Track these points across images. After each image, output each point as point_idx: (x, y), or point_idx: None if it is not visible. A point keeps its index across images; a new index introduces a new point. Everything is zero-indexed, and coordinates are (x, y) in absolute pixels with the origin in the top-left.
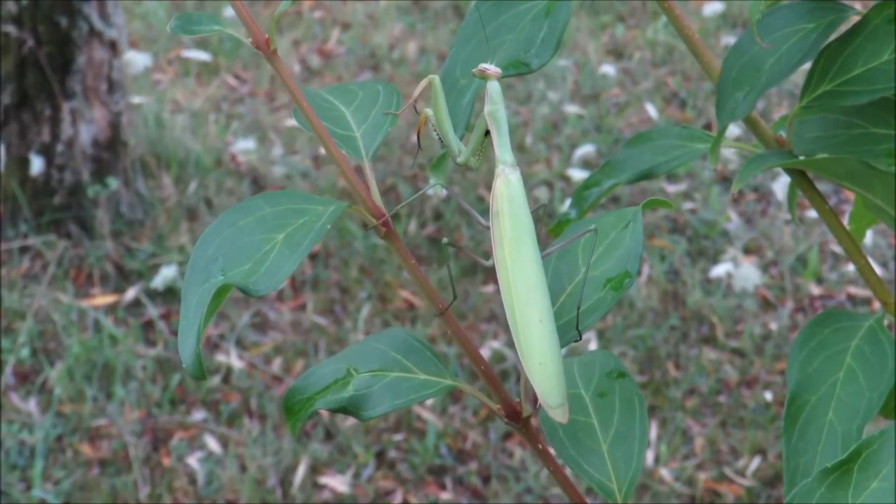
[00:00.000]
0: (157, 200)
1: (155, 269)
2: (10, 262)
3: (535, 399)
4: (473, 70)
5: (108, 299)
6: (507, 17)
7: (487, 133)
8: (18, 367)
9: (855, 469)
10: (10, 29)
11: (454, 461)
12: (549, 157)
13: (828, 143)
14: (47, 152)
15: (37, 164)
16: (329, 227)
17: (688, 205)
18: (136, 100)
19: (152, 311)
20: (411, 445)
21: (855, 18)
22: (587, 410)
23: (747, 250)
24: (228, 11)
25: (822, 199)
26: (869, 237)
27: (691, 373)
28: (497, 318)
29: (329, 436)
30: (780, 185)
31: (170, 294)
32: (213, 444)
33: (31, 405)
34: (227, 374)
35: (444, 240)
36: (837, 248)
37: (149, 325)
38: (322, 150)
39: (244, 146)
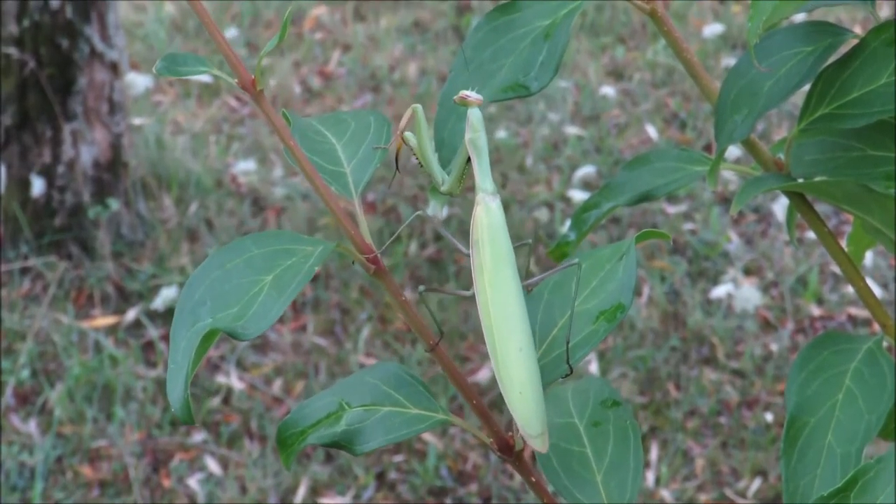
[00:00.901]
0: (157, 221)
1: (155, 290)
2: (11, 283)
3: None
4: (455, 97)
5: (109, 320)
6: (506, 41)
7: (469, 160)
8: (18, 388)
9: (852, 496)
10: (12, 50)
11: (455, 482)
12: (549, 178)
13: (826, 165)
14: (48, 173)
15: (38, 186)
16: (317, 268)
17: (688, 225)
18: (137, 121)
19: (153, 333)
20: (412, 467)
21: (853, 41)
22: (581, 440)
23: (748, 271)
24: (230, 32)
25: (820, 221)
26: (869, 258)
27: (692, 394)
28: None
29: (329, 457)
30: (781, 206)
31: (170, 315)
32: (213, 465)
33: (32, 426)
34: (228, 395)
35: (421, 287)
36: (838, 270)
37: (149, 347)
38: None
39: (245, 167)
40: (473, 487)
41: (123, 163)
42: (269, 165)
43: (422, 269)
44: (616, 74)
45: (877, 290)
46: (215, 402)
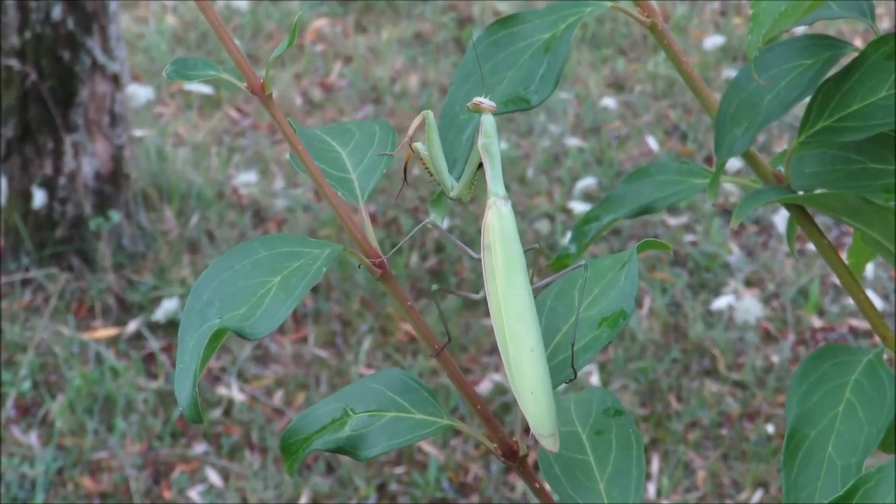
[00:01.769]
0: (158, 233)
1: (156, 301)
2: (12, 294)
3: (528, 428)
4: (468, 104)
5: (110, 332)
6: (507, 54)
7: (480, 166)
8: (19, 400)
9: None
10: (13, 62)
11: (456, 494)
12: (550, 190)
13: (826, 178)
14: (49, 185)
15: (39, 198)
16: (324, 270)
17: (689, 237)
18: (138, 133)
19: (154, 344)
20: (412, 479)
21: (853, 54)
22: (584, 448)
23: (749, 283)
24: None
25: (820, 233)
26: (870, 269)
27: (693, 405)
28: (498, 351)
29: (330, 469)
30: (781, 218)
31: (171, 327)
32: (214, 477)
33: (32, 438)
34: (229, 407)
35: (434, 286)
36: (839, 281)
37: (150, 358)
38: None
39: (246, 179)
40: (475, 499)
41: (125, 174)
42: (270, 177)
43: (423, 280)
44: (617, 86)
45: (877, 302)
46: (216, 413)
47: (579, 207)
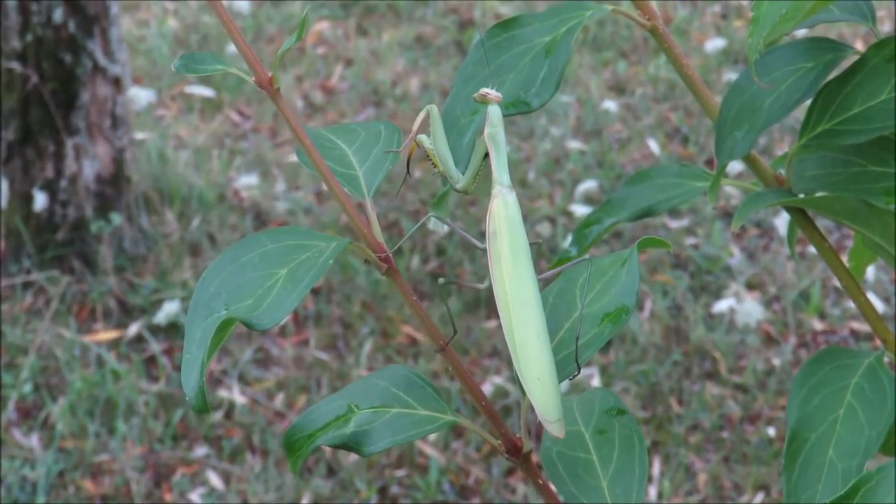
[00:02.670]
0: (159, 236)
1: (158, 304)
2: (13, 297)
3: (530, 429)
4: (475, 95)
5: (111, 335)
6: (508, 57)
7: (486, 157)
8: (20, 402)
9: None
10: (15, 65)
11: (457, 497)
12: (551, 193)
13: (827, 181)
14: (51, 188)
15: (40, 200)
16: (331, 262)
17: (690, 240)
18: (139, 136)
19: (155, 347)
20: (414, 481)
21: (853, 57)
22: (587, 447)
23: (750, 286)
24: (232, 48)
25: (821, 236)
26: (871, 272)
27: (694, 408)
28: (499, 354)
29: (331, 471)
30: (783, 221)
31: (172, 329)
32: (215, 479)
33: (34, 441)
34: (230, 409)
35: (441, 279)
36: (840, 284)
37: (151, 361)
38: (325, 186)
39: (247, 182)
40: (476, 502)
41: (126, 177)
42: (272, 180)
43: (424, 283)
44: (618, 89)
45: (878, 305)
46: (217, 416)
47: (580, 210)
